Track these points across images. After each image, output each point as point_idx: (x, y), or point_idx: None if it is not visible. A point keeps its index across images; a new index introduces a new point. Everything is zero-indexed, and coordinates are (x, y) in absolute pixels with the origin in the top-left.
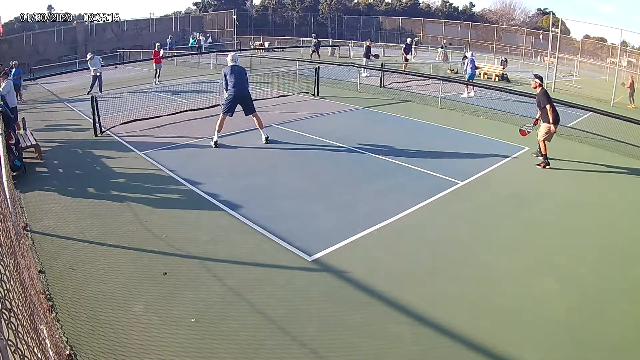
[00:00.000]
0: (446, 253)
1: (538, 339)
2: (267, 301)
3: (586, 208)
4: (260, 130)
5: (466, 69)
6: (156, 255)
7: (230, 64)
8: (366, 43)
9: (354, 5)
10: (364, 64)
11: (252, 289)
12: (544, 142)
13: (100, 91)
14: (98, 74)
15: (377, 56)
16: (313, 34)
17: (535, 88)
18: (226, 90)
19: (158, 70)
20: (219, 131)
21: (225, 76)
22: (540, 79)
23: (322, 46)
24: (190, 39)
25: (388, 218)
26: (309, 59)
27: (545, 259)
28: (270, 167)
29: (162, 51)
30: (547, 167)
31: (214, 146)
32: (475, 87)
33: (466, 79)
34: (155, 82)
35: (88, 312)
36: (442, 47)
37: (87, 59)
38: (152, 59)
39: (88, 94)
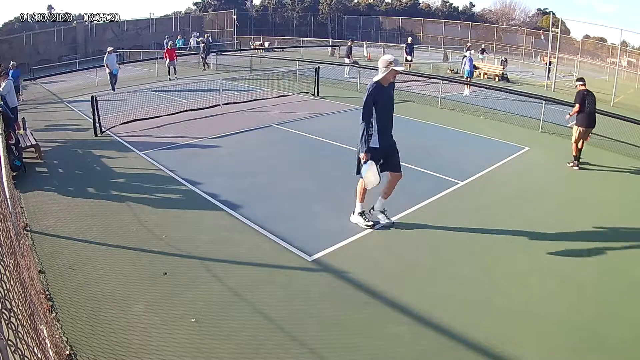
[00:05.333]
0: (446, 253)
1: (538, 340)
2: (267, 301)
3: (587, 208)
4: (381, 200)
5: (464, 67)
6: (156, 255)
7: (380, 76)
8: (349, 43)
9: (354, 5)
10: (346, 63)
11: (252, 289)
12: (574, 144)
13: (113, 89)
14: (110, 70)
15: (355, 62)
16: (202, 34)
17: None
18: (368, 128)
19: (173, 67)
20: (361, 201)
21: (372, 101)
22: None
23: (316, 46)
24: (165, 40)
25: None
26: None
27: (546, 259)
28: (270, 167)
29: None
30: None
31: (366, 224)
32: (472, 87)
33: (465, 77)
34: (169, 78)
35: (88, 312)
36: (468, 50)
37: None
38: (164, 57)
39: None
